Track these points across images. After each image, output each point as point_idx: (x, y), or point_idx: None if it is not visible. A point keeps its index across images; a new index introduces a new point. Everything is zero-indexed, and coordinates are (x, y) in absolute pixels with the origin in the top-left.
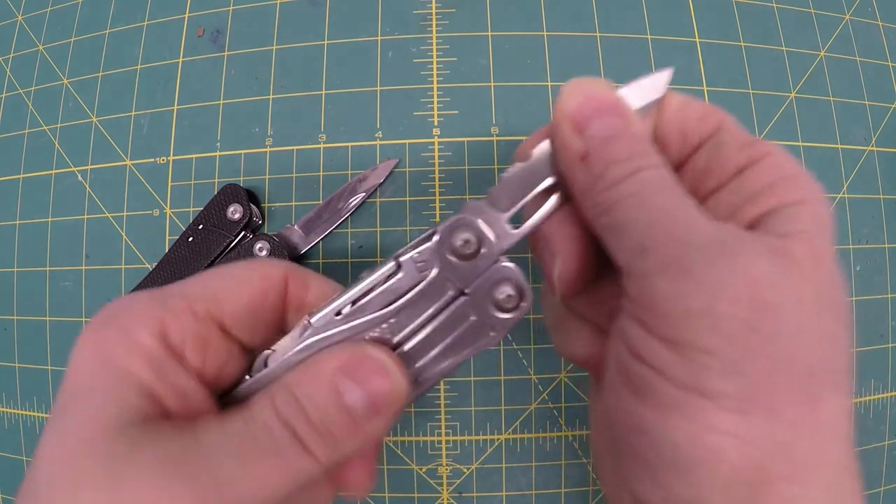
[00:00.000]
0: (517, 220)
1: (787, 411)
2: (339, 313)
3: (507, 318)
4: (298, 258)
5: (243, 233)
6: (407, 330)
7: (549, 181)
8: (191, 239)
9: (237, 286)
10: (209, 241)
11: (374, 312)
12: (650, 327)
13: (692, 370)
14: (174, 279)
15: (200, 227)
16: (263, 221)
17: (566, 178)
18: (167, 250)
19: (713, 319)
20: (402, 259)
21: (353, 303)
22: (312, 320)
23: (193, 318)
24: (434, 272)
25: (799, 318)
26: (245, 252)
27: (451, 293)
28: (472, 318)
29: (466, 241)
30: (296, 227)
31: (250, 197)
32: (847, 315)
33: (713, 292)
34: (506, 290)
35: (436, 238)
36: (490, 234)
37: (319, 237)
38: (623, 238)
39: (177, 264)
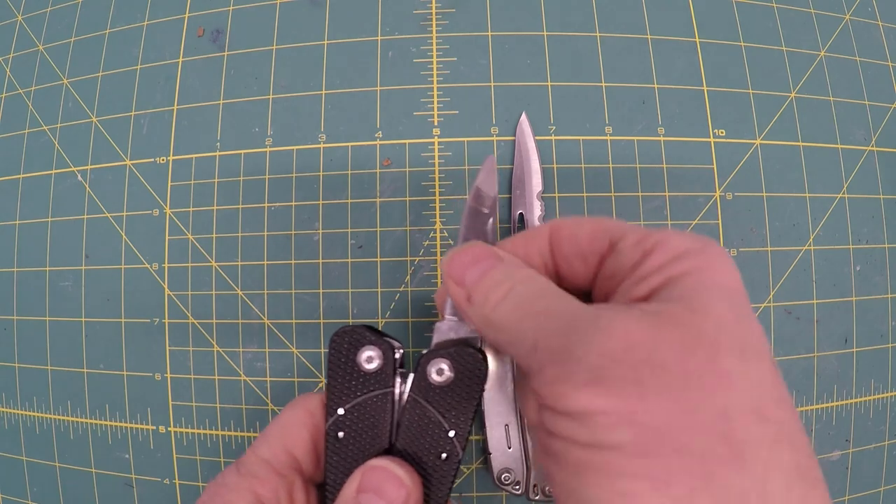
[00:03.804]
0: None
1: (696, 448)
2: None
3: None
4: None
5: (397, 376)
6: None
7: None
8: (341, 434)
9: (297, 429)
10: (366, 416)
11: None
12: (553, 408)
13: (592, 431)
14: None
15: (340, 411)
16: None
17: (466, 319)
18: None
19: (601, 386)
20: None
21: None
22: None
23: (277, 476)
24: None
25: (682, 366)
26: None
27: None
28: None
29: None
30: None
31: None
32: (748, 353)
33: (595, 363)
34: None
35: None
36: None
37: None
38: (518, 346)
39: (343, 463)
